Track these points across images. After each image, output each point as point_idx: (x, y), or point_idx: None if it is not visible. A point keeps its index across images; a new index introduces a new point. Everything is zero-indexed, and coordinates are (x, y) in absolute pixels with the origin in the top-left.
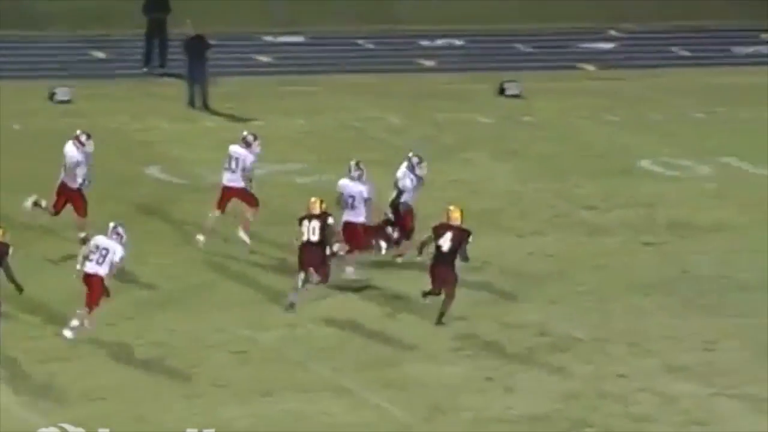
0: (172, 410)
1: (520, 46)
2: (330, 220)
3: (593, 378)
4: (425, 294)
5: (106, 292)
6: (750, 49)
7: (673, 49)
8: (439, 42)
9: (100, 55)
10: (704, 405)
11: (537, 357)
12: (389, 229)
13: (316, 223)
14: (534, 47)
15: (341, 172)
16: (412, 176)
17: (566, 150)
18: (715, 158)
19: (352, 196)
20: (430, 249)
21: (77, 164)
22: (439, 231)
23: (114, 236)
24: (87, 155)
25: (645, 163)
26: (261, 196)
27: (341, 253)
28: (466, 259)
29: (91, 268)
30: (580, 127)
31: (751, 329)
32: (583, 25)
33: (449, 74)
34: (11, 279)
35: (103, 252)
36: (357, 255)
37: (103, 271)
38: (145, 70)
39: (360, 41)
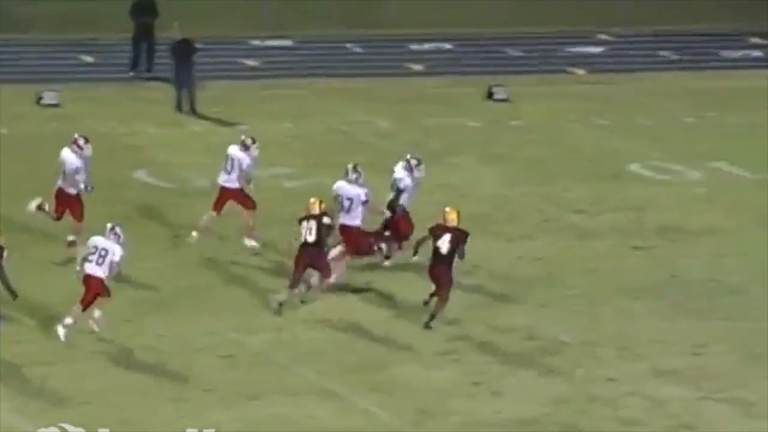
0: (159, 414)
1: (509, 50)
2: (326, 220)
3: (582, 382)
4: (430, 297)
5: (106, 292)
6: (739, 53)
7: (663, 53)
8: (428, 46)
9: (88, 59)
10: (693, 409)
11: (526, 361)
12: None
13: (312, 224)
14: (522, 51)
15: (329, 176)
16: (410, 177)
17: (555, 154)
18: (705, 162)
19: (350, 199)
20: (423, 249)
21: (77, 170)
22: (436, 232)
23: (112, 236)
24: (86, 160)
25: (634, 167)
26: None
27: (333, 254)
28: (462, 256)
29: (90, 268)
30: (569, 131)
31: (740, 333)
32: (572, 29)
33: (437, 78)
34: (5, 284)
35: (102, 253)
36: (349, 260)
37: (102, 272)
38: (132, 74)
39: (348, 45)
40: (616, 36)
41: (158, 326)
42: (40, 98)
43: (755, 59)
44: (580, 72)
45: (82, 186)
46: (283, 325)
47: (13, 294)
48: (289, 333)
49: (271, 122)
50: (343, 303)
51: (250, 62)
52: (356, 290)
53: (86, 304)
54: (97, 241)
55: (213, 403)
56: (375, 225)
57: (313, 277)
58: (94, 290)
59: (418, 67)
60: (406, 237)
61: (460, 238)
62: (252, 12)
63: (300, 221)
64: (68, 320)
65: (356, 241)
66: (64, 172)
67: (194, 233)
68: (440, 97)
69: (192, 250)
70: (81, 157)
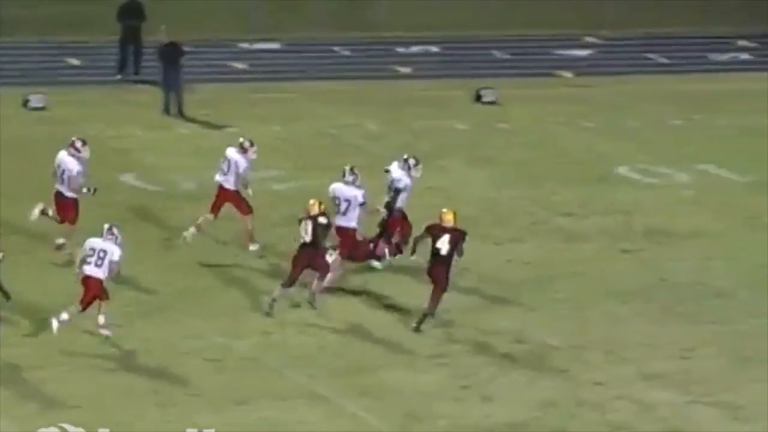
0: (146, 419)
1: (497, 53)
2: (321, 220)
3: (570, 386)
4: (435, 305)
5: (105, 295)
6: (727, 56)
7: (650, 56)
8: (416, 49)
9: (75, 62)
10: (681, 413)
11: (514, 364)
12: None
13: (309, 224)
14: (510, 54)
15: (318, 179)
16: (409, 177)
17: (543, 157)
18: (693, 165)
19: (348, 201)
20: (420, 249)
21: (78, 174)
22: (434, 233)
23: (109, 237)
24: (84, 162)
25: (622, 170)
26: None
27: (329, 258)
28: (461, 254)
29: (90, 270)
30: (556, 133)
31: (727, 336)
32: (560, 31)
33: (425, 81)
34: None
35: (101, 254)
36: (344, 263)
37: (102, 273)
38: (119, 77)
39: (336, 48)
40: (604, 39)
41: (146, 330)
42: (27, 101)
43: (743, 62)
44: (568, 75)
45: (84, 190)
46: (271, 328)
47: (6, 296)
48: (278, 337)
49: (260, 125)
50: (332, 307)
51: (239, 65)
52: (355, 292)
53: (85, 304)
54: (95, 242)
55: (201, 407)
56: (370, 225)
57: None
58: (93, 291)
59: (406, 70)
60: (405, 239)
61: (458, 238)
62: (240, 14)
63: (299, 222)
64: (64, 316)
65: (351, 244)
66: (62, 175)
67: (191, 229)
68: (428, 99)
69: (181, 253)
70: (79, 159)
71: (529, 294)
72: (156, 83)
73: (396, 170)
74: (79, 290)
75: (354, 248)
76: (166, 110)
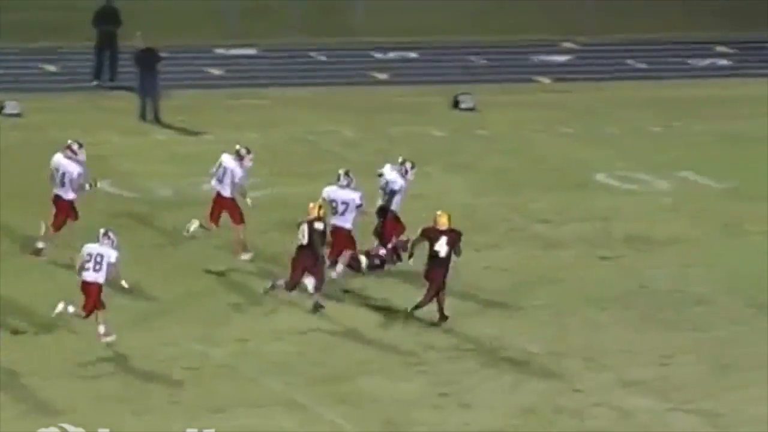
0: (123, 427)
1: (475, 59)
2: (317, 225)
3: (549, 393)
4: (416, 308)
5: (101, 304)
6: (706, 62)
7: (629, 61)
8: (393, 54)
9: (51, 68)
10: (660, 420)
11: (493, 372)
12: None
13: (305, 227)
14: (488, 60)
15: (294, 186)
16: (404, 179)
17: (521, 163)
18: (671, 172)
19: (345, 203)
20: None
21: (80, 176)
22: (430, 236)
23: (106, 241)
24: (83, 164)
25: (600, 177)
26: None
27: (334, 274)
28: (459, 254)
29: (89, 276)
30: (534, 140)
31: (707, 343)
32: (538, 37)
33: (403, 87)
34: None
35: (98, 258)
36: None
37: (101, 277)
38: (95, 83)
39: (313, 54)
40: (582, 45)
41: (122, 337)
42: (2, 108)
43: (722, 68)
44: (546, 81)
45: (87, 186)
46: (248, 335)
47: None
48: (255, 344)
49: (236, 131)
50: (307, 315)
51: (215, 71)
52: (338, 298)
53: (89, 311)
54: (91, 248)
55: (177, 415)
56: (365, 233)
57: (308, 280)
58: (93, 297)
59: (383, 76)
60: (405, 245)
61: (455, 239)
62: (216, 20)
63: (298, 225)
64: (71, 309)
65: (344, 244)
66: (62, 178)
67: (195, 221)
68: (406, 106)
69: (157, 261)
70: (78, 162)
71: (507, 301)
72: (132, 89)
73: (390, 172)
74: (80, 296)
75: (346, 248)
76: (143, 116)
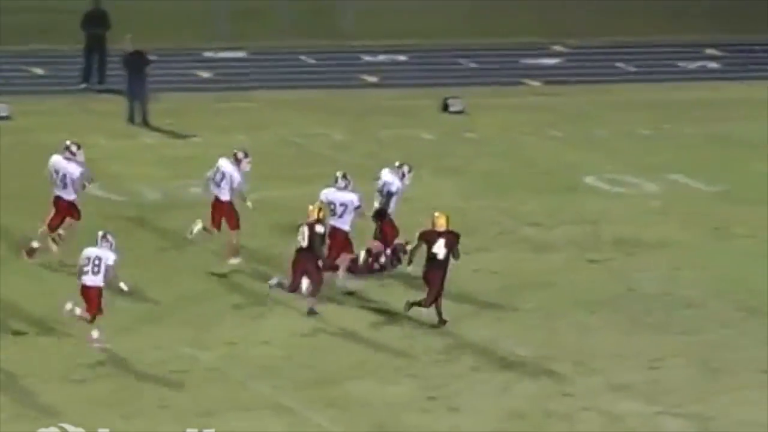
0: (112, 430)
1: (464, 62)
2: (318, 229)
3: (539, 396)
4: (413, 305)
5: (100, 309)
6: (695, 65)
7: (619, 64)
8: (382, 57)
9: (39, 71)
10: (650, 424)
11: (482, 375)
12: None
13: (305, 230)
14: (478, 63)
15: (283, 189)
16: (401, 182)
17: (510, 166)
18: (661, 175)
19: (344, 205)
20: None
21: (82, 175)
22: (428, 238)
23: (104, 244)
24: (83, 165)
25: (590, 180)
26: (199, 215)
27: (338, 281)
28: (457, 257)
29: (88, 280)
30: (524, 143)
31: (696, 347)
32: (528, 40)
33: (392, 90)
34: None
35: (96, 262)
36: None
37: (100, 281)
38: (84, 86)
39: (302, 57)
40: (572, 47)
41: (110, 341)
42: None
43: (712, 71)
44: (536, 84)
45: (88, 185)
46: (236, 339)
47: None
48: (243, 348)
49: (225, 134)
50: (298, 317)
51: (204, 74)
52: (349, 293)
53: (92, 314)
54: (90, 251)
55: (166, 419)
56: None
57: (305, 282)
58: (94, 300)
59: (372, 79)
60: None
61: (453, 240)
62: (205, 23)
63: (299, 227)
64: (78, 311)
65: (342, 246)
66: (63, 180)
67: (198, 222)
68: (395, 109)
69: (146, 266)
70: (78, 162)
71: (497, 304)
72: (121, 92)
73: (387, 174)
74: (81, 302)
75: (344, 250)
76: (131, 119)
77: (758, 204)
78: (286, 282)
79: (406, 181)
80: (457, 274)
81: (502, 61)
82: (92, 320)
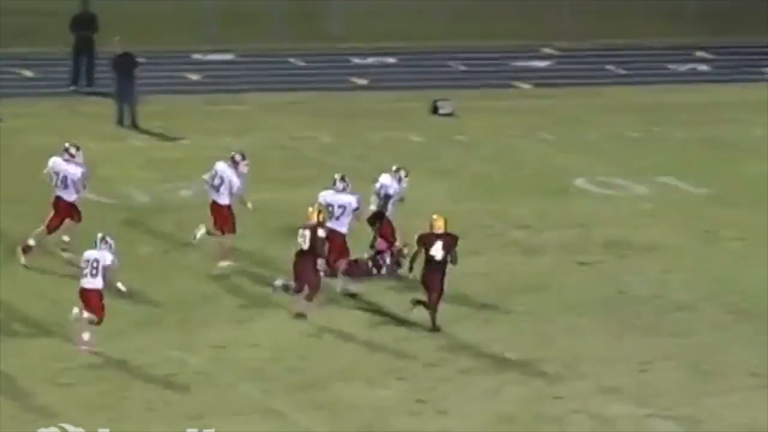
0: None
1: (454, 65)
2: (320, 232)
3: (528, 399)
4: (418, 303)
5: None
6: (685, 67)
7: (609, 67)
8: (372, 60)
9: (28, 73)
10: (640, 426)
11: (471, 378)
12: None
13: (307, 233)
14: (467, 65)
15: (272, 191)
16: (398, 185)
17: (500, 169)
18: (651, 177)
19: (342, 207)
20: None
21: (83, 176)
22: (426, 240)
23: (104, 246)
24: (82, 165)
25: (580, 183)
26: (189, 218)
27: (338, 287)
28: (455, 261)
29: (87, 283)
30: (514, 146)
31: (686, 349)
32: (518, 42)
33: (382, 93)
34: None
35: (94, 264)
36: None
37: (99, 283)
38: (72, 88)
39: (291, 59)
40: (562, 50)
41: (98, 344)
42: None
43: (701, 73)
44: (526, 86)
45: (85, 183)
46: (225, 342)
47: None
48: (232, 351)
49: (214, 137)
50: (285, 322)
51: (192, 76)
52: (351, 295)
53: (98, 316)
54: (89, 254)
55: (154, 422)
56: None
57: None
58: (94, 303)
59: (362, 82)
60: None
61: (451, 242)
62: (194, 25)
63: (299, 229)
64: (86, 314)
65: (340, 249)
66: (64, 181)
67: (202, 226)
68: (384, 111)
69: (136, 270)
70: (77, 163)
71: (486, 307)
72: (109, 94)
73: (385, 178)
74: (81, 304)
75: (342, 252)
76: (120, 122)
77: (748, 207)
78: (292, 284)
79: (404, 184)
80: (447, 277)
81: (491, 64)
82: (99, 322)
